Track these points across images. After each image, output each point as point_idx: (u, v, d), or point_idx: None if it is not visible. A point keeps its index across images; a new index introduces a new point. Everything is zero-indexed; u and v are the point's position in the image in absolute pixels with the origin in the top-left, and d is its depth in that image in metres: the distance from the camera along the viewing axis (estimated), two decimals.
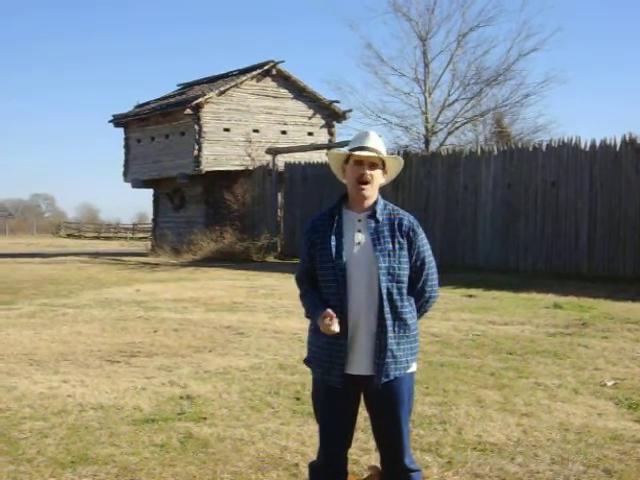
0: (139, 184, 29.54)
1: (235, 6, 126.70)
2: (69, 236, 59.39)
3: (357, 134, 3.54)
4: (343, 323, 3.29)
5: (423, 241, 3.46)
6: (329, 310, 3.24)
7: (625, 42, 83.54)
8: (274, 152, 24.97)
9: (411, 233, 3.42)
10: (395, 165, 3.53)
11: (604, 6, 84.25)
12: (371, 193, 3.42)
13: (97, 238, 56.42)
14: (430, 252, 3.50)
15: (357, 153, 3.39)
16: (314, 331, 3.44)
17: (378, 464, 3.65)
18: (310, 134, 28.45)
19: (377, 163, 3.42)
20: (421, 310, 3.52)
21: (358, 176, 3.39)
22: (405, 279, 3.39)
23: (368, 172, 3.38)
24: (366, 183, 3.38)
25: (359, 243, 3.38)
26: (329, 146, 26.99)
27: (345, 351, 3.32)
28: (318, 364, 3.41)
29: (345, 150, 3.54)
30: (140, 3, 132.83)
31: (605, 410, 5.86)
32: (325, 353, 3.36)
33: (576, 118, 71.57)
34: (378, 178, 3.44)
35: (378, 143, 3.44)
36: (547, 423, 5.50)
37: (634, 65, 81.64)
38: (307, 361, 3.52)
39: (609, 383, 6.71)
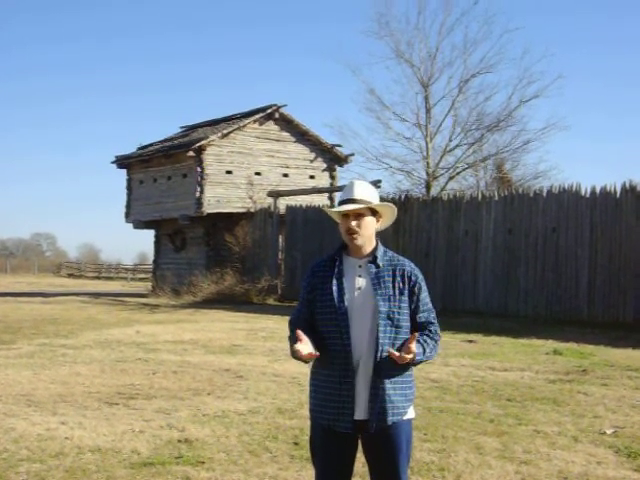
0: (141, 225, 29.68)
1: (239, 48, 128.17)
2: (70, 276, 59.29)
3: (345, 186, 3.59)
4: (349, 368, 3.32)
5: (424, 293, 3.49)
6: (299, 331, 3.29)
7: (625, 83, 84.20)
8: (275, 195, 25.09)
9: (412, 280, 3.45)
10: (384, 209, 3.57)
11: (604, 47, 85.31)
12: (363, 241, 3.46)
13: (98, 278, 56.29)
14: (430, 304, 3.53)
15: (340, 209, 3.45)
16: (321, 380, 3.44)
17: None
18: (312, 177, 28.65)
19: (363, 212, 3.46)
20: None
21: (346, 228, 3.45)
22: (404, 324, 3.41)
23: (354, 223, 3.43)
24: (355, 233, 3.44)
25: (360, 288, 3.42)
26: (330, 189, 27.15)
27: (353, 396, 3.34)
28: (326, 411, 3.39)
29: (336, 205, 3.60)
30: (143, 36, 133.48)
31: (604, 458, 5.83)
32: (334, 399, 3.36)
33: (576, 162, 71.96)
34: (368, 225, 3.47)
35: (364, 192, 3.48)
36: (546, 471, 5.47)
37: (634, 106, 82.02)
38: (312, 410, 3.51)
39: (609, 431, 6.68)
